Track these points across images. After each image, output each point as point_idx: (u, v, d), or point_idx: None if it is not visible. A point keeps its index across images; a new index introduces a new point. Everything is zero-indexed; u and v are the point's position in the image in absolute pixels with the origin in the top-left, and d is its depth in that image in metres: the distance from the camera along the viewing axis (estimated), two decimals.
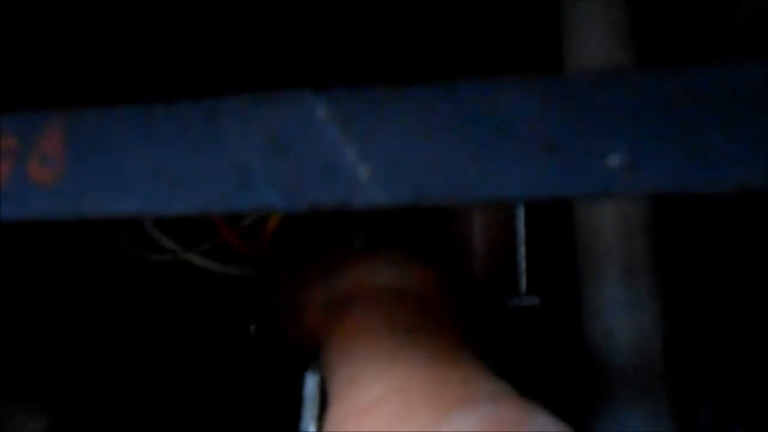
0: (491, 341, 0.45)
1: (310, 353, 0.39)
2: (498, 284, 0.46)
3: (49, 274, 0.45)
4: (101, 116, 0.21)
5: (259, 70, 0.54)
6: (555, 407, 0.41)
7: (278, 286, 0.44)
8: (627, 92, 0.18)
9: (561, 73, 0.19)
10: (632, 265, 0.40)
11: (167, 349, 0.52)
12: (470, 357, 0.33)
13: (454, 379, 0.30)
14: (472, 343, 0.36)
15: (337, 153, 0.19)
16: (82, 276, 0.47)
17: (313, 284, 0.39)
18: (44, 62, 0.48)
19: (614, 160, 0.18)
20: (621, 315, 0.40)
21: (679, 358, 0.41)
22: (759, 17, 0.58)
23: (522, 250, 0.46)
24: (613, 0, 0.46)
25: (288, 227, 0.47)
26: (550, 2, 0.48)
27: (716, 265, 0.48)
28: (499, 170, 0.18)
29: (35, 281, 0.46)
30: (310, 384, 0.34)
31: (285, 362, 0.43)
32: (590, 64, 0.45)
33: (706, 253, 0.48)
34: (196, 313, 0.52)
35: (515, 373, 0.44)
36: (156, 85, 0.50)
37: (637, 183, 0.18)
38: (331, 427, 0.32)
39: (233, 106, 0.20)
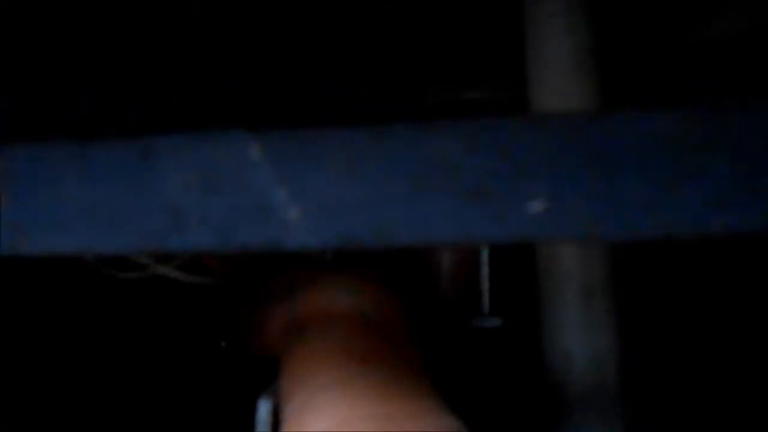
0: (454, 361, 0.45)
1: (274, 366, 0.39)
2: (461, 305, 0.46)
3: (17, 298, 0.45)
4: (38, 152, 0.21)
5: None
6: (515, 426, 0.41)
7: (243, 300, 0.45)
8: (549, 138, 0.19)
9: (490, 116, 0.19)
10: (590, 287, 0.41)
11: (138, 364, 0.52)
12: (422, 389, 0.33)
13: (400, 416, 0.30)
14: (429, 366, 0.36)
15: (269, 194, 0.19)
16: (50, 296, 0.47)
17: (275, 302, 0.39)
18: None
19: (536, 206, 0.18)
20: (578, 336, 0.40)
21: (637, 378, 0.42)
22: (731, 35, 0.58)
23: (485, 271, 0.46)
24: (576, 20, 0.46)
25: None
26: (514, 20, 0.49)
27: (676, 287, 0.49)
28: (425, 214, 0.19)
29: (8, 299, 0.45)
30: (263, 410, 0.34)
31: (249, 375, 0.43)
32: (553, 84, 0.45)
33: (666, 276, 0.49)
34: (167, 327, 0.52)
35: (477, 392, 0.44)
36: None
37: (558, 229, 0.18)
38: None
39: (167, 145, 0.20)
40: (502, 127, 0.19)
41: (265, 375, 0.39)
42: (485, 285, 0.46)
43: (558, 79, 0.45)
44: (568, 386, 0.40)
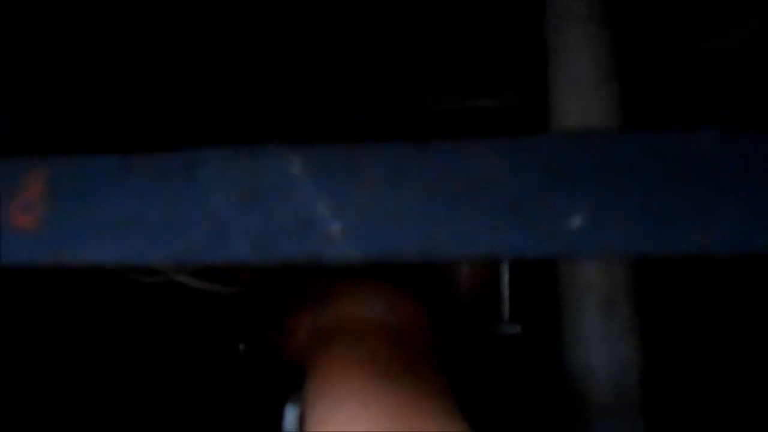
0: (473, 367, 0.45)
1: (299, 372, 0.40)
2: (482, 311, 0.47)
3: (40, 297, 0.46)
4: (82, 164, 0.21)
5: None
6: None
7: (269, 307, 0.45)
8: (589, 154, 0.19)
9: (534, 133, 0.20)
10: (612, 297, 0.41)
11: (157, 368, 0.53)
12: (443, 404, 0.33)
13: (425, 424, 0.30)
14: (450, 375, 0.37)
15: (311, 208, 0.20)
16: (74, 297, 0.48)
17: (304, 309, 0.39)
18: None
19: (576, 221, 0.19)
20: (599, 346, 0.41)
21: (658, 388, 0.42)
22: (738, 47, 0.59)
23: (506, 279, 0.46)
24: (598, 29, 0.46)
25: None
26: (537, 31, 0.49)
27: (699, 297, 0.49)
28: (467, 229, 0.19)
29: (27, 303, 0.46)
30: (290, 417, 0.35)
31: (272, 381, 0.43)
32: (574, 94, 0.46)
33: (689, 286, 0.49)
34: (187, 332, 0.52)
35: (496, 399, 0.45)
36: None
37: (597, 245, 0.18)
38: None
39: (212, 158, 0.21)
40: (541, 143, 0.19)
41: (289, 381, 0.39)
42: (506, 292, 0.46)
43: (579, 90, 0.45)
44: (588, 395, 0.41)
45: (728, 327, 0.48)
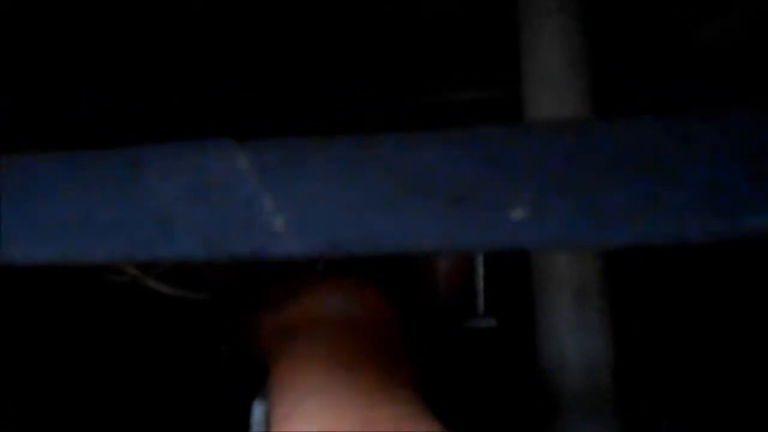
0: (448, 361, 0.45)
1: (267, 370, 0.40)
2: (456, 305, 0.47)
3: (14, 296, 0.46)
4: (27, 162, 0.21)
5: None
6: (509, 426, 0.41)
7: (240, 308, 0.45)
8: (531, 147, 0.19)
9: (474, 125, 0.20)
10: (584, 288, 0.41)
11: (135, 367, 0.53)
12: (408, 394, 0.33)
13: (385, 421, 0.30)
14: (423, 367, 0.37)
15: (256, 203, 0.20)
16: (39, 296, 0.47)
17: (269, 309, 0.39)
18: None
19: (518, 213, 0.19)
20: (572, 337, 0.41)
21: (635, 378, 0.42)
22: (720, 37, 0.59)
23: (480, 272, 0.46)
24: (570, 21, 0.46)
25: None
26: (509, 21, 0.49)
27: (671, 288, 0.49)
28: (410, 222, 0.19)
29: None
30: (257, 413, 0.35)
31: (251, 380, 0.43)
32: (547, 85, 0.46)
33: (661, 276, 0.49)
34: (161, 333, 0.52)
35: (470, 392, 0.45)
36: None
37: (539, 236, 0.18)
38: None
39: (156, 155, 0.20)
40: (486, 136, 0.19)
41: (262, 379, 0.39)
42: (480, 285, 0.46)
43: (551, 80, 0.45)
44: (561, 387, 0.41)
45: (703, 318, 0.49)
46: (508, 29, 0.49)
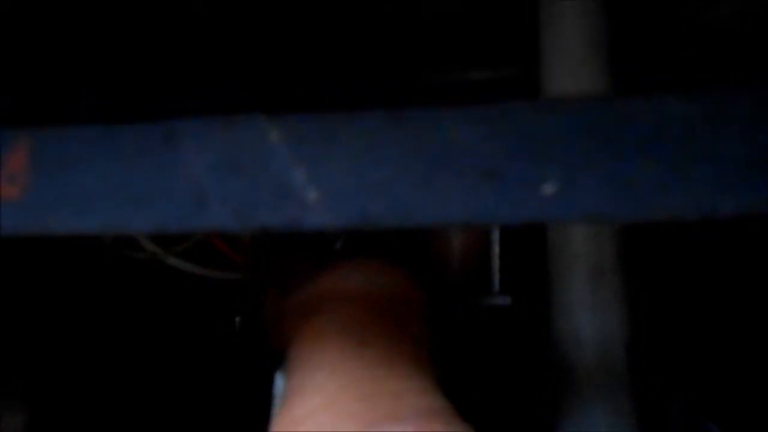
0: (463, 339, 0.46)
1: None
2: (472, 282, 0.47)
3: (27, 270, 0.46)
4: (65, 135, 0.22)
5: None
6: (523, 403, 0.42)
7: (263, 293, 0.45)
8: (561, 122, 0.19)
9: (506, 101, 0.20)
10: (600, 267, 0.41)
11: (147, 345, 0.53)
12: (417, 368, 0.34)
13: (387, 395, 0.31)
14: (439, 343, 0.37)
15: (288, 176, 0.20)
16: (62, 272, 0.48)
17: (291, 291, 0.40)
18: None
19: (548, 188, 0.19)
20: (587, 316, 0.41)
21: (648, 358, 0.42)
22: (737, 16, 0.58)
23: (496, 250, 0.47)
24: (586, 1, 0.46)
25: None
26: (530, 3, 0.49)
27: (687, 268, 0.50)
28: (441, 196, 0.19)
29: (13, 276, 0.46)
30: (280, 383, 0.35)
31: (266, 352, 0.44)
32: (565, 65, 0.46)
33: (677, 255, 0.49)
34: (179, 310, 0.53)
35: (485, 369, 0.45)
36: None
37: (569, 210, 0.19)
38: (281, 425, 0.33)
39: (191, 128, 0.21)
40: (515, 111, 0.20)
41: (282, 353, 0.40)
42: (496, 263, 0.46)
43: (570, 59, 0.45)
44: (575, 365, 0.41)
45: (718, 295, 0.49)
46: (525, 6, 0.49)
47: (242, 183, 0.20)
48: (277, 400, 0.36)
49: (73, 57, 0.50)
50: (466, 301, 0.46)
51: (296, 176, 0.20)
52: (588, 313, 0.41)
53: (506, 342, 0.46)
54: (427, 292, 0.41)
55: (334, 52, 0.58)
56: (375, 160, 0.20)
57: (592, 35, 0.45)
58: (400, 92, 0.61)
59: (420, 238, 0.49)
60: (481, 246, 0.47)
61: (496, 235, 0.46)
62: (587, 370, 0.41)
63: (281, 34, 0.55)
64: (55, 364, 0.47)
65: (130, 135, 0.21)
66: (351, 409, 0.30)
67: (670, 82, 0.56)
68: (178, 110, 0.22)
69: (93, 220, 0.21)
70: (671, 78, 0.57)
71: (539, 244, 0.44)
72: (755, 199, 0.17)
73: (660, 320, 0.47)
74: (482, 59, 0.62)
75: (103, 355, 0.50)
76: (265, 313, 0.44)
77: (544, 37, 0.46)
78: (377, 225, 0.19)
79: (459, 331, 0.45)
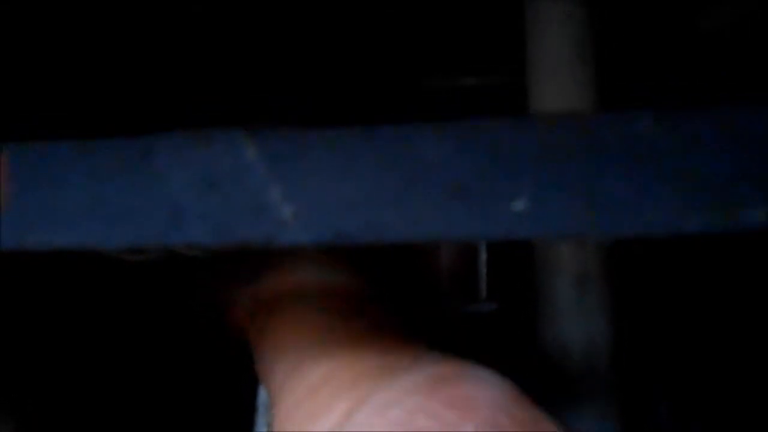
0: (449, 345, 0.46)
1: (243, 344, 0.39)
2: (459, 290, 0.47)
3: (13, 278, 0.46)
4: (44, 150, 0.22)
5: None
6: None
7: (215, 283, 0.45)
8: (532, 139, 0.19)
9: (477, 117, 0.20)
10: (584, 274, 0.42)
11: (138, 355, 0.53)
12: (408, 336, 0.34)
13: (396, 351, 0.31)
14: (415, 334, 0.37)
15: (264, 193, 0.20)
16: (49, 279, 0.48)
17: (241, 285, 0.40)
18: None
19: (519, 205, 0.19)
20: (572, 322, 0.41)
21: (633, 363, 0.43)
22: (730, 23, 0.58)
23: (482, 257, 0.47)
24: (575, 8, 0.46)
25: None
26: (515, 8, 0.49)
27: (671, 274, 0.50)
28: (412, 213, 0.19)
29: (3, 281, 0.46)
30: (264, 393, 0.36)
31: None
32: (551, 73, 0.46)
33: (661, 262, 0.50)
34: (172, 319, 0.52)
35: None
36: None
37: (539, 227, 0.19)
38: (282, 416, 0.32)
39: (167, 144, 0.21)
40: (486, 129, 0.20)
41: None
42: (483, 271, 0.46)
43: (556, 68, 0.45)
44: (561, 372, 0.41)
45: (702, 301, 0.49)
46: (513, 15, 0.49)
47: (218, 199, 0.21)
48: (262, 408, 0.36)
49: (47, 72, 0.50)
50: (452, 308, 0.46)
51: (272, 193, 0.20)
52: (573, 318, 0.41)
53: (492, 348, 0.46)
54: (395, 292, 0.41)
55: (323, 61, 0.59)
56: (349, 177, 0.20)
57: (578, 43, 0.45)
58: (390, 99, 0.61)
59: (399, 248, 0.49)
60: (468, 253, 0.47)
61: (483, 244, 0.47)
62: (573, 376, 0.41)
63: (268, 41, 0.55)
64: (43, 374, 0.47)
65: (108, 151, 0.21)
66: (368, 363, 0.30)
67: (662, 90, 0.56)
68: (157, 120, 0.22)
69: (69, 236, 0.21)
70: (663, 85, 0.58)
71: (525, 251, 0.44)
72: (719, 217, 0.17)
73: (645, 325, 0.47)
74: (472, 66, 0.62)
75: (93, 365, 0.50)
76: (206, 303, 0.43)
77: (530, 45, 0.46)
78: (351, 242, 0.20)
79: (444, 337, 0.46)
